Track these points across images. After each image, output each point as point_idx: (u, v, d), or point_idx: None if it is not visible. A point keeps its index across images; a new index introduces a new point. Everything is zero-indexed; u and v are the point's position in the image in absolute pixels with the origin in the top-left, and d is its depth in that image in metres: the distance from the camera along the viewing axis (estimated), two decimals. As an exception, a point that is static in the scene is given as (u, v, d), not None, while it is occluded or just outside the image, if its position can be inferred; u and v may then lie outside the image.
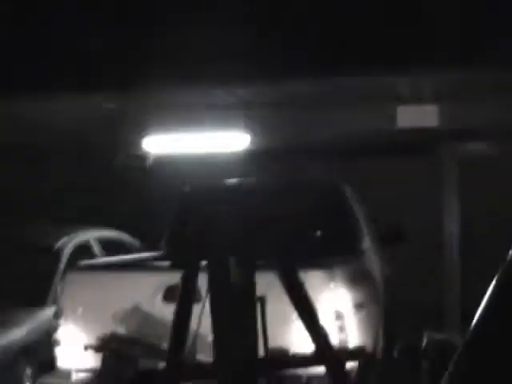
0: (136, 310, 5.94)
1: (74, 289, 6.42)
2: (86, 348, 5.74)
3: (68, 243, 9.33)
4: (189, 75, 7.86)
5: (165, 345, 5.48)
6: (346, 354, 4.57)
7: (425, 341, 4.46)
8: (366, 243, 7.88)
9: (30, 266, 8.77)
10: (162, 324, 5.53)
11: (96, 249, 9.74)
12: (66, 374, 6.13)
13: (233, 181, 8.55)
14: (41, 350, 7.02)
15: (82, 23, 7.92)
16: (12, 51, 8.47)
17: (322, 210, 8.05)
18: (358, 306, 6.21)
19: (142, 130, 10.72)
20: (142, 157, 12.10)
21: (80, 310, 6.29)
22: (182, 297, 4.18)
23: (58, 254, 9.05)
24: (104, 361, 5.35)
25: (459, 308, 11.55)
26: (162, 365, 5.35)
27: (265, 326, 4.36)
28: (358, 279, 6.78)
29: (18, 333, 7.74)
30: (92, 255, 9.66)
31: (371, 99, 9.20)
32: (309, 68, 7.59)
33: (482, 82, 8.50)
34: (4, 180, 14.46)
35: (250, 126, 10.29)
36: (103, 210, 12.97)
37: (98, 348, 5.57)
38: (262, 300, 4.33)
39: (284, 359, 4.65)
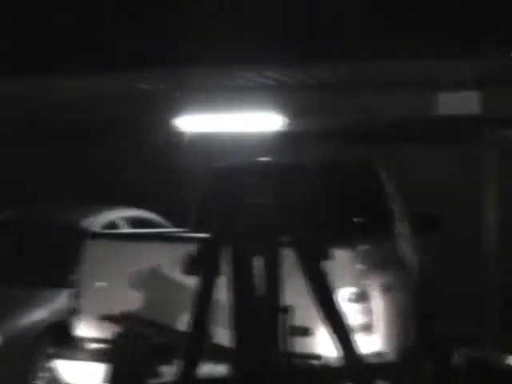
0: (155, 272, 5.95)
1: (92, 257, 6.39)
2: (101, 318, 5.74)
3: (95, 222, 9.36)
4: (223, 56, 7.91)
5: (179, 322, 5.55)
6: (376, 369, 4.45)
7: (461, 358, 4.47)
8: (399, 228, 7.80)
9: (57, 246, 8.86)
10: (180, 290, 5.49)
11: (123, 228, 9.76)
12: (81, 343, 6.17)
13: (265, 160, 8.54)
14: (64, 330, 7.09)
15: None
16: (50, 30, 8.59)
17: (355, 191, 8.01)
18: (387, 289, 6.13)
19: (176, 109, 10.77)
20: (179, 135, 12.23)
21: (97, 277, 6.29)
22: (205, 274, 4.14)
23: (83, 233, 9.10)
24: (117, 337, 5.38)
25: (496, 300, 11.48)
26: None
27: (288, 339, 4.31)
28: (387, 263, 6.73)
29: (43, 312, 7.86)
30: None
31: (411, 85, 9.15)
32: (347, 51, 7.57)
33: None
34: (37, 159, 14.64)
35: (284, 108, 10.28)
36: (138, 190, 13.12)
37: (112, 320, 5.57)
38: (287, 311, 4.30)
39: (308, 373, 4.56)
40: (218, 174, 8.45)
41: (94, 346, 6.04)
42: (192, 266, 4.18)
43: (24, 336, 7.58)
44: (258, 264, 4.15)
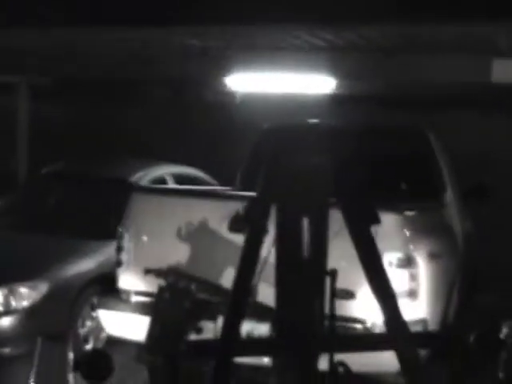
0: (204, 225, 5.83)
1: (138, 209, 6.28)
2: (146, 272, 5.63)
3: (144, 177, 9.32)
4: (275, 16, 7.75)
5: (225, 279, 5.48)
6: (419, 337, 4.30)
7: (505, 331, 4.31)
8: (449, 196, 7.57)
9: (107, 198, 8.85)
10: (227, 246, 5.44)
11: (171, 183, 9.71)
12: (126, 295, 6.11)
13: (315, 121, 8.37)
14: (110, 282, 7.07)
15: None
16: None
17: (404, 156, 7.82)
18: (433, 256, 5.93)
19: (227, 67, 10.63)
20: (231, 94, 12.18)
21: (142, 231, 6.19)
22: (251, 232, 4.01)
23: (132, 187, 9.05)
24: (160, 290, 5.31)
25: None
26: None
27: (333, 302, 4.19)
28: (435, 230, 6.52)
29: (90, 263, 7.86)
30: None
31: (467, 49, 8.91)
32: (399, 13, 7.38)
33: None
34: (87, 115, 14.65)
35: (335, 70, 10.11)
36: (188, 147, 13.07)
37: (157, 274, 5.49)
38: (333, 273, 4.18)
39: (351, 339, 4.42)
40: (266, 134, 8.30)
41: (138, 298, 5.98)
42: (238, 223, 4.05)
43: (70, 285, 7.56)
44: (305, 225, 4.02)
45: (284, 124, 8.23)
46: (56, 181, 9.65)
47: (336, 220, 4.01)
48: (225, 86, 11.32)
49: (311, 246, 4.04)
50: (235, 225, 4.08)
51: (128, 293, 6.09)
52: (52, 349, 3.59)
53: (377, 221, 4.02)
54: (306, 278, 4.01)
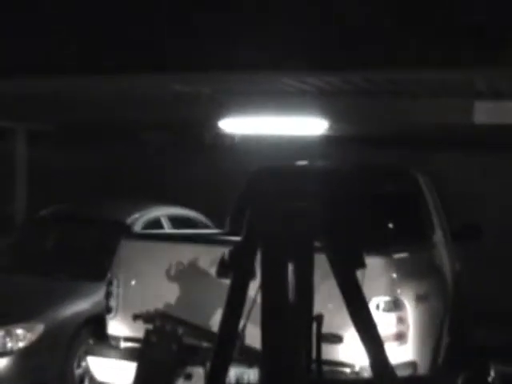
0: (194, 265, 5.58)
1: (127, 256, 6.04)
2: (134, 318, 5.33)
3: (139, 219, 9.21)
4: (265, 63, 7.69)
5: (213, 322, 5.17)
6: (406, 382, 4.05)
7: (492, 373, 4.12)
8: (437, 236, 7.30)
9: (103, 240, 8.67)
10: (216, 289, 4.94)
11: (166, 225, 9.59)
12: (115, 342, 5.84)
13: (303, 163, 8.17)
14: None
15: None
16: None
17: (392, 196, 7.50)
18: (421, 298, 5.67)
19: (221, 112, 10.48)
20: (226, 136, 12.02)
21: (131, 277, 5.95)
22: (237, 276, 3.83)
23: (128, 229, 8.88)
24: (148, 334, 5.08)
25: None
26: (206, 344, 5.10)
27: (319, 347, 3.98)
28: (423, 271, 6.30)
29: (84, 304, 7.66)
30: (162, 231, 9.61)
31: (449, 93, 8.81)
32: (386, 59, 7.29)
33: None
34: (86, 160, 14.56)
35: (324, 113, 10.01)
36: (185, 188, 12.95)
37: (144, 318, 5.25)
38: (319, 318, 3.97)
39: (338, 381, 4.18)
40: (252, 178, 8.07)
41: (127, 344, 5.74)
42: (224, 267, 3.86)
43: (66, 325, 7.43)
44: (291, 270, 3.83)
45: (270, 167, 8.03)
46: (53, 223, 9.52)
47: (321, 265, 3.81)
48: (219, 128, 11.19)
49: (298, 290, 3.85)
50: (221, 270, 3.88)
51: (117, 339, 5.83)
52: None
53: (362, 265, 3.84)
54: (292, 323, 3.82)
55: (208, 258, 5.11)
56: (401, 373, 4.57)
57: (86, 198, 12.03)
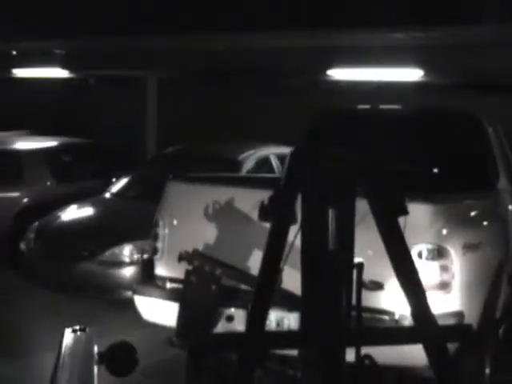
0: (230, 204, 4.78)
1: (172, 198, 5.27)
2: (179, 259, 4.59)
3: (249, 156, 8.82)
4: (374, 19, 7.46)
5: (252, 263, 4.46)
6: (449, 331, 3.24)
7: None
8: (502, 184, 6.07)
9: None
10: (256, 231, 4.08)
11: (274, 162, 9.12)
12: (162, 282, 5.15)
13: (364, 107, 7.15)
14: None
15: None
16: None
17: (452, 141, 6.31)
18: (472, 247, 4.64)
19: (332, 62, 10.03)
20: (334, 82, 11.71)
21: (176, 218, 5.17)
22: (277, 221, 3.11)
23: (239, 165, 8.55)
24: (187, 275, 4.42)
25: None
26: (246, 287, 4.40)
27: (360, 296, 3.19)
28: (480, 219, 5.24)
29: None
30: (271, 168, 9.04)
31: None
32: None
33: None
34: (202, 104, 14.22)
35: (420, 63, 9.34)
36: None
37: (184, 259, 4.57)
38: (360, 266, 3.19)
39: (378, 333, 3.39)
40: (315, 119, 7.12)
41: (173, 285, 5.04)
42: (264, 213, 3.13)
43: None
44: (332, 215, 3.07)
45: (335, 110, 7.13)
46: (175, 159, 9.15)
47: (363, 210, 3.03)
48: (330, 76, 10.76)
49: (339, 236, 3.09)
50: (262, 214, 3.15)
51: (163, 279, 5.11)
52: (77, 341, 2.80)
53: (404, 212, 3.02)
54: (331, 270, 3.07)
55: (250, 201, 4.24)
56: (445, 322, 3.72)
57: (204, 138, 11.58)
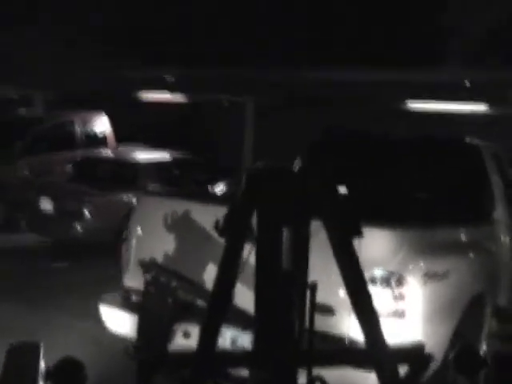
0: (187, 215, 4.76)
1: (141, 211, 5.33)
2: (139, 264, 4.62)
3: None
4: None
5: (206, 276, 4.44)
6: (401, 354, 3.12)
7: (486, 349, 3.11)
8: (498, 213, 5.82)
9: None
10: (212, 244, 4.27)
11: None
12: (127, 294, 5.08)
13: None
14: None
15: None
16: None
17: (449, 168, 6.10)
18: (436, 276, 4.41)
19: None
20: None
21: (142, 230, 5.19)
22: (232, 237, 3.05)
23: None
24: (146, 285, 4.36)
25: None
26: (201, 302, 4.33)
27: (313, 316, 3.07)
28: (453, 248, 4.91)
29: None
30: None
31: None
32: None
33: None
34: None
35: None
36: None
37: (143, 268, 4.52)
38: (313, 286, 3.07)
39: (330, 355, 3.28)
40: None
41: (137, 296, 4.96)
42: (221, 228, 3.08)
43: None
44: (286, 236, 3.01)
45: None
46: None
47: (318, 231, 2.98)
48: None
49: (293, 257, 3.04)
50: (217, 230, 3.11)
51: (129, 291, 5.08)
52: (23, 357, 2.75)
53: (359, 234, 2.96)
54: (285, 291, 3.01)
55: (209, 216, 4.13)
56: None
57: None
